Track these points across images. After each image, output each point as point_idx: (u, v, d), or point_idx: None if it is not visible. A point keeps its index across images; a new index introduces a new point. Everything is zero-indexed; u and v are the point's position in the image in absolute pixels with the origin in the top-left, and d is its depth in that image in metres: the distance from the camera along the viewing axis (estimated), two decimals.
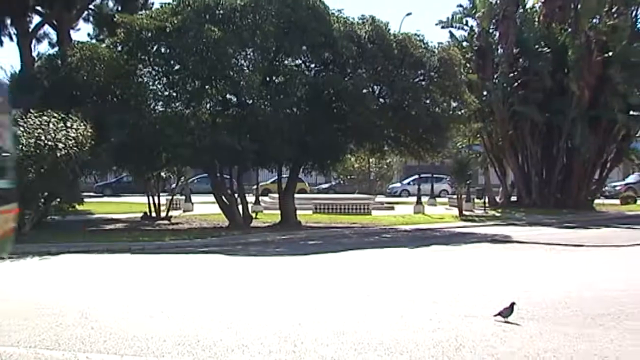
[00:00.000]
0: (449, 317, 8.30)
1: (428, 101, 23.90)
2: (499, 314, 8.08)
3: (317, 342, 7.07)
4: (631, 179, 48.41)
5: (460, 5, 34.26)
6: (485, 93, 32.07)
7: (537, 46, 31.84)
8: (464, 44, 33.69)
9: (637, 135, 35.40)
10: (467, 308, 8.93)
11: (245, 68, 22.73)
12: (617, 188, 45.89)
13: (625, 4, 32.63)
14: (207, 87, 22.20)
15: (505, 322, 7.94)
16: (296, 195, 25.86)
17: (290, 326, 7.82)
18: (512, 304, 8.08)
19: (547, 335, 7.40)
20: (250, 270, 13.39)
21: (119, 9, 33.47)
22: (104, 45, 24.78)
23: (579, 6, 32.31)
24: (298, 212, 24.70)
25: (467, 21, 34.30)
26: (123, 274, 12.91)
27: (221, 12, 22.25)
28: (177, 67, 22.51)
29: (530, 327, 7.80)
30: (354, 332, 7.53)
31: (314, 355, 6.61)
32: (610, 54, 31.18)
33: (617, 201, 40.03)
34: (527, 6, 34.60)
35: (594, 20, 32.51)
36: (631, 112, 32.84)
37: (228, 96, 23.10)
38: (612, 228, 24.05)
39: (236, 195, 23.75)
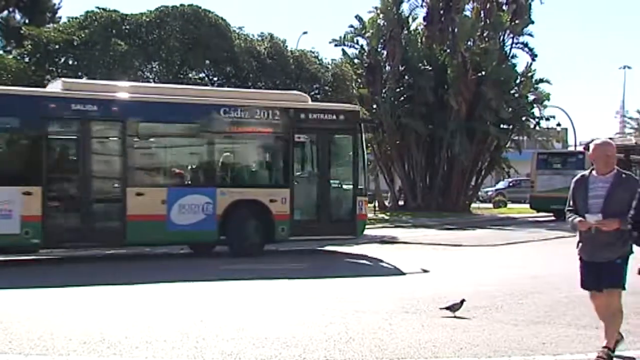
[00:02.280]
0: (340, 313, 8.38)
1: None
2: (448, 308, 8.09)
3: (218, 338, 7.00)
4: (501, 185, 50.31)
5: (352, 26, 34.75)
6: (374, 106, 32.60)
7: (420, 64, 32.66)
8: (355, 61, 34.14)
9: (507, 145, 36.83)
10: (357, 304, 9.05)
11: (151, 80, 22.34)
12: (489, 193, 47.62)
13: (494, 29, 34.01)
14: None
15: (454, 316, 8.02)
16: None
17: (193, 323, 7.72)
18: (462, 301, 8.12)
19: (428, 327, 7.58)
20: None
21: (27, 21, 32.18)
22: (11, 56, 23.80)
23: (456, 30, 33.38)
24: None
25: (357, 40, 34.81)
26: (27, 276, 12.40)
27: (127, 27, 21.81)
28: (84, 78, 21.88)
29: (414, 320, 7.97)
30: (252, 327, 7.50)
31: (214, 350, 6.54)
32: (483, 73, 32.38)
33: (491, 205, 41.53)
34: (412, 28, 35.42)
35: (469, 43, 33.64)
36: (502, 125, 34.22)
37: None
38: (486, 229, 24.87)
39: None
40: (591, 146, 6.25)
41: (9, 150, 13.94)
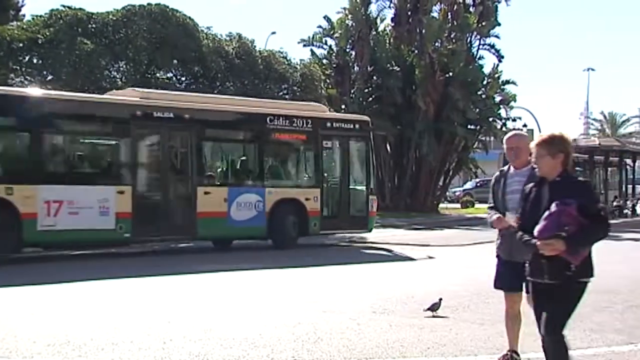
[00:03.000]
0: (308, 314, 8.39)
1: None
2: (429, 308, 8.14)
3: (186, 339, 6.96)
4: (469, 185, 50.75)
5: (320, 26, 34.83)
6: (343, 107, 32.69)
7: (388, 65, 32.83)
8: (324, 61, 34.22)
9: (474, 146, 37.17)
10: (326, 304, 9.06)
11: (119, 80, 22.15)
12: (457, 193, 48.01)
13: (461, 30, 34.31)
14: None
15: (434, 315, 8.06)
16: None
17: (160, 324, 7.66)
18: (440, 299, 8.18)
19: (396, 327, 7.62)
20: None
21: None
22: None
23: (424, 31, 33.61)
24: None
25: (326, 41, 34.89)
26: None
27: (93, 25, 21.62)
28: (50, 77, 21.62)
29: (382, 320, 8.00)
30: (220, 328, 7.48)
31: (182, 351, 6.50)
32: (451, 74, 32.64)
33: (458, 205, 41.85)
34: (380, 29, 35.59)
35: (437, 44, 33.90)
36: (469, 126, 34.53)
37: None
38: (454, 229, 25.06)
39: None
40: (504, 139, 5.98)
41: (107, 153, 15.70)
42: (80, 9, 22.09)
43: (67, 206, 13.87)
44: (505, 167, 5.99)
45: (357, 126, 18.33)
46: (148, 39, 21.75)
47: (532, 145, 4.99)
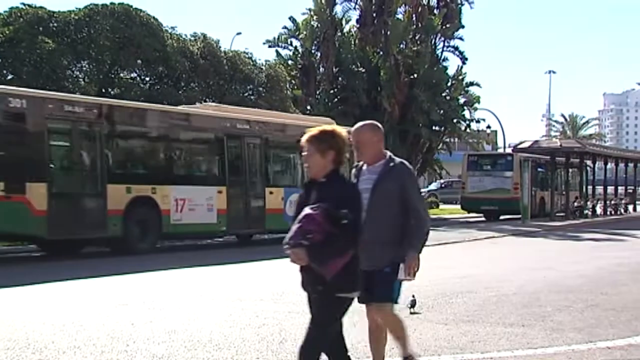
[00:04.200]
0: (274, 314, 8.38)
1: None
2: (412, 306, 8.30)
3: (149, 341, 6.90)
4: (433, 186, 51.18)
5: (285, 27, 34.87)
6: (309, 107, 32.77)
7: (354, 66, 33.00)
8: (290, 62, 34.26)
9: (438, 147, 37.49)
10: (290, 305, 9.06)
11: (81, 79, 21.89)
12: (422, 194, 48.31)
13: (426, 32, 34.64)
14: None
15: (411, 312, 8.19)
16: None
17: (123, 327, 7.59)
18: (413, 295, 8.33)
19: (360, 328, 7.59)
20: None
21: None
22: None
23: (389, 32, 33.84)
24: None
25: (291, 42, 34.94)
26: None
27: (55, 24, 21.33)
28: (10, 76, 21.27)
29: (346, 321, 7.97)
30: (185, 330, 7.43)
31: (145, 354, 6.44)
32: (416, 75, 32.91)
33: None
34: (345, 30, 35.75)
35: (401, 46, 34.16)
36: (434, 127, 34.84)
37: None
38: None
39: None
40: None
41: (209, 158, 18.52)
42: (41, 7, 21.77)
43: (188, 203, 16.72)
44: (361, 162, 5.24)
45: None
46: (111, 38, 21.53)
47: (302, 141, 4.49)
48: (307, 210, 4.18)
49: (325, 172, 4.38)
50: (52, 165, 14.77)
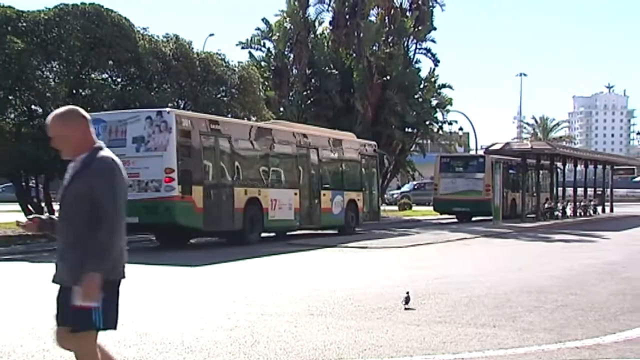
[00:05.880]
0: (245, 316, 8.37)
1: (229, 116, 23.99)
2: (407, 303, 8.74)
3: (120, 344, 6.84)
4: (406, 187, 51.43)
5: (258, 29, 34.82)
6: (282, 109, 32.74)
7: (327, 68, 33.05)
8: (263, 63, 34.21)
9: (411, 149, 37.67)
10: (263, 307, 9.05)
11: (51, 80, 21.63)
12: (395, 196, 48.57)
13: (398, 34, 34.82)
14: (10, 97, 20.88)
15: (406, 308, 8.62)
16: None
17: None
18: (407, 292, 8.88)
19: (333, 329, 7.66)
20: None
21: None
22: None
23: (362, 34, 33.95)
24: None
25: (264, 43, 34.91)
26: None
27: (24, 24, 21.02)
28: None
29: (319, 322, 8.04)
30: (156, 332, 7.39)
31: (116, 357, 6.38)
32: (388, 77, 33.04)
33: (396, 207, 42.34)
34: (318, 32, 35.79)
35: (374, 48, 34.30)
36: (406, 129, 35.01)
37: (33, 107, 21.85)
38: (391, 231, 25.31)
39: (42, 203, 22.50)
40: None
41: (287, 164, 21.41)
42: (9, 6, 21.45)
43: (278, 203, 20.08)
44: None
45: (371, 148, 25.89)
46: (82, 38, 21.28)
47: None
48: None
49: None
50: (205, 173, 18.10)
